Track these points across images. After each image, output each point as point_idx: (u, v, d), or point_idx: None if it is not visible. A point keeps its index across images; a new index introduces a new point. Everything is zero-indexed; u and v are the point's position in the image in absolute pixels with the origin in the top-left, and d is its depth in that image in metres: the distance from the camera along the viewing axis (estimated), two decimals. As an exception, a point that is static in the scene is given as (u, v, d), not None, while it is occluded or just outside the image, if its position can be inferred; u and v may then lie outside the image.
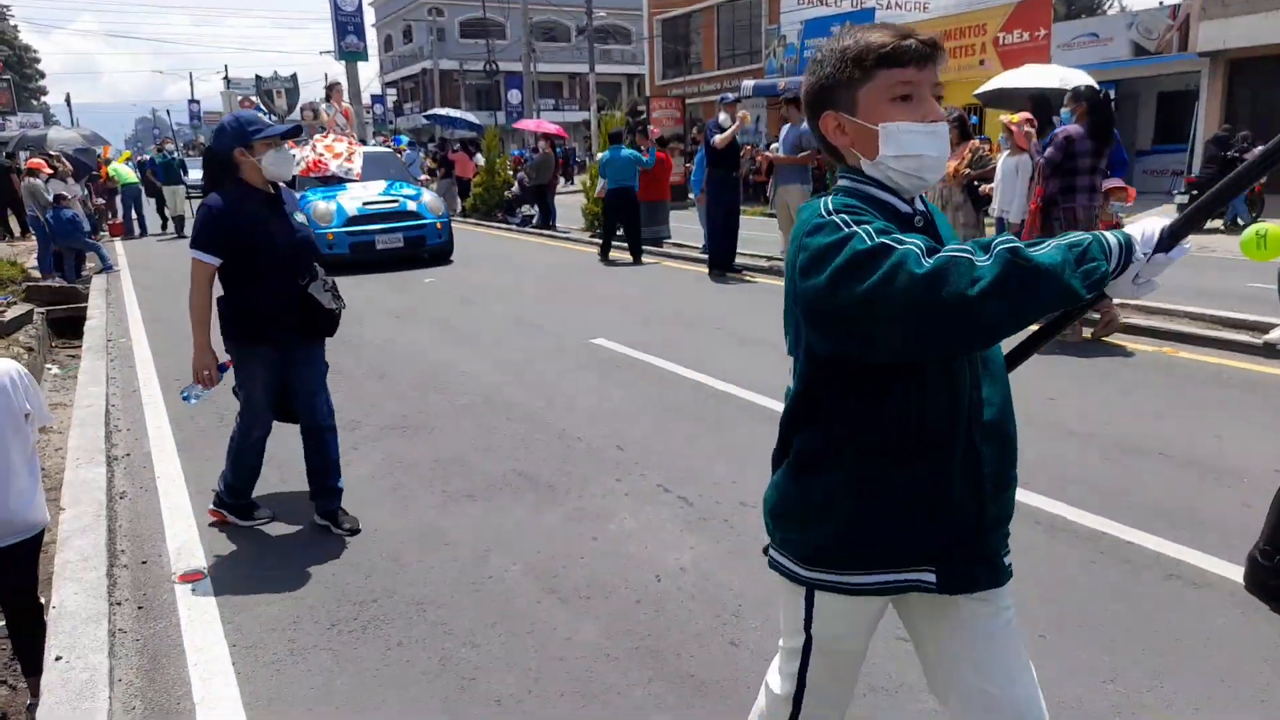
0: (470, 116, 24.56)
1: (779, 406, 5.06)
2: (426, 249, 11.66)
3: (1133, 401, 5.12)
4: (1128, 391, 5.33)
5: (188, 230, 15.70)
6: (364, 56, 24.82)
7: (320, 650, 2.80)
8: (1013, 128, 7.33)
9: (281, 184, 3.54)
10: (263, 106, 50.80)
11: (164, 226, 17.15)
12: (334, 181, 11.59)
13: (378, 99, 45.67)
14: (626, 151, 11.74)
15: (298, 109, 24.35)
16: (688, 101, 30.87)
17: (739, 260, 10.33)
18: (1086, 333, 6.54)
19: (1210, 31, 16.77)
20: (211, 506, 3.74)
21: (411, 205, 11.69)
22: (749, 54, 29.57)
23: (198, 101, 63.23)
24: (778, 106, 26.06)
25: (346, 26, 23.26)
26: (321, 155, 11.48)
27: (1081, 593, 2.99)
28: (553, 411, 5.18)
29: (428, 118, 26.56)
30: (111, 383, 6.03)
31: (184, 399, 3.60)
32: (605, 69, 44.18)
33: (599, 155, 12.58)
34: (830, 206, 1.35)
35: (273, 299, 3.39)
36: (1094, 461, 4.17)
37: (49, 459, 4.80)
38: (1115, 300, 6.56)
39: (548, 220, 16.06)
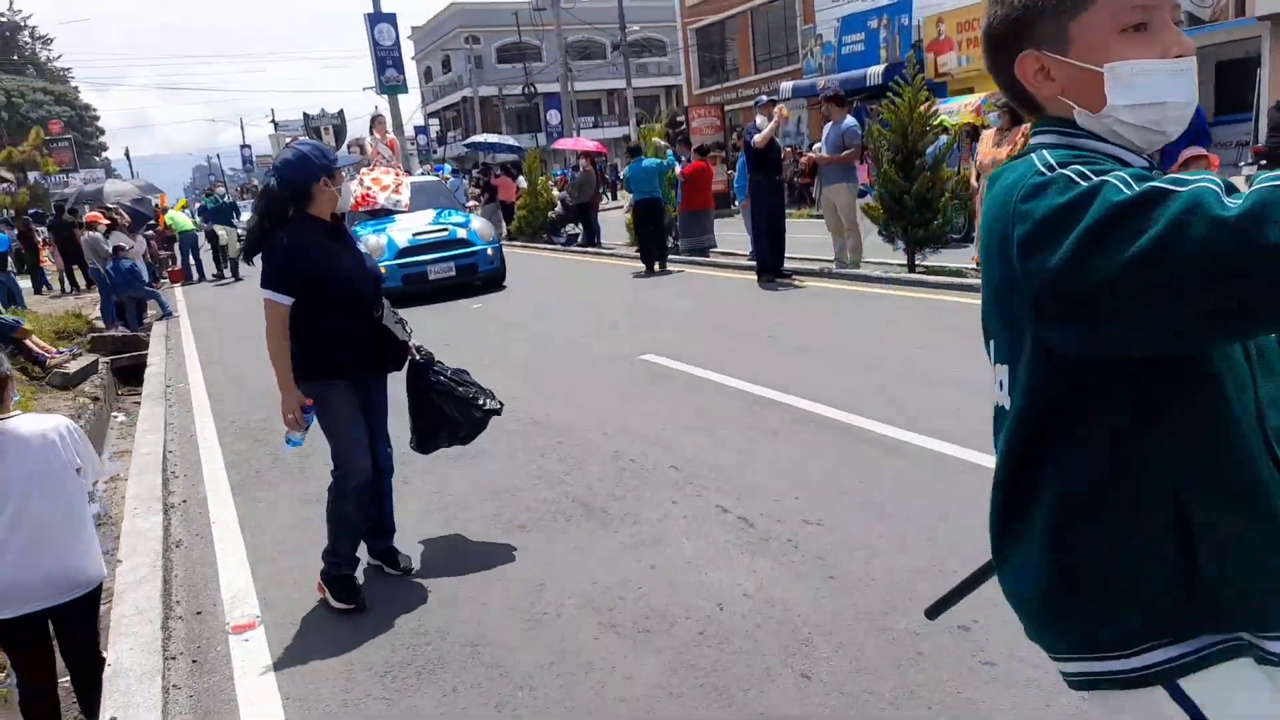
0: (510, 140, 24.83)
1: (836, 414, 4.86)
2: (479, 276, 11.46)
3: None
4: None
5: (243, 271, 15.98)
6: (404, 89, 25.24)
7: (374, 700, 2.71)
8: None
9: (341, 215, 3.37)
10: (311, 146, 52.27)
11: (220, 271, 17.26)
12: (383, 214, 11.50)
13: (421, 130, 46.51)
14: (648, 161, 12.08)
15: (345, 145, 24.86)
16: (727, 109, 30.72)
17: (788, 265, 10.11)
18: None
19: (1269, -7, 16.02)
20: (319, 580, 3.37)
21: (461, 233, 11.53)
22: (786, 56, 29.31)
23: (249, 147, 65.25)
24: (818, 106, 25.77)
25: (386, 61, 23.67)
26: (369, 189, 11.42)
27: None
28: (605, 433, 5.05)
29: (468, 145, 26.90)
30: (170, 429, 6.10)
31: (287, 444, 3.38)
32: (642, 83, 44.32)
33: (623, 171, 12.91)
34: (1051, 160, 1.00)
35: (347, 333, 3.23)
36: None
37: (115, 506, 4.85)
38: None
39: (592, 238, 16.03)
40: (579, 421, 5.32)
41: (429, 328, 8.97)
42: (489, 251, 11.53)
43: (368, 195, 11.26)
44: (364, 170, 11.83)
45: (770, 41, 30.48)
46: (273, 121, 55.39)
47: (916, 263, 9.24)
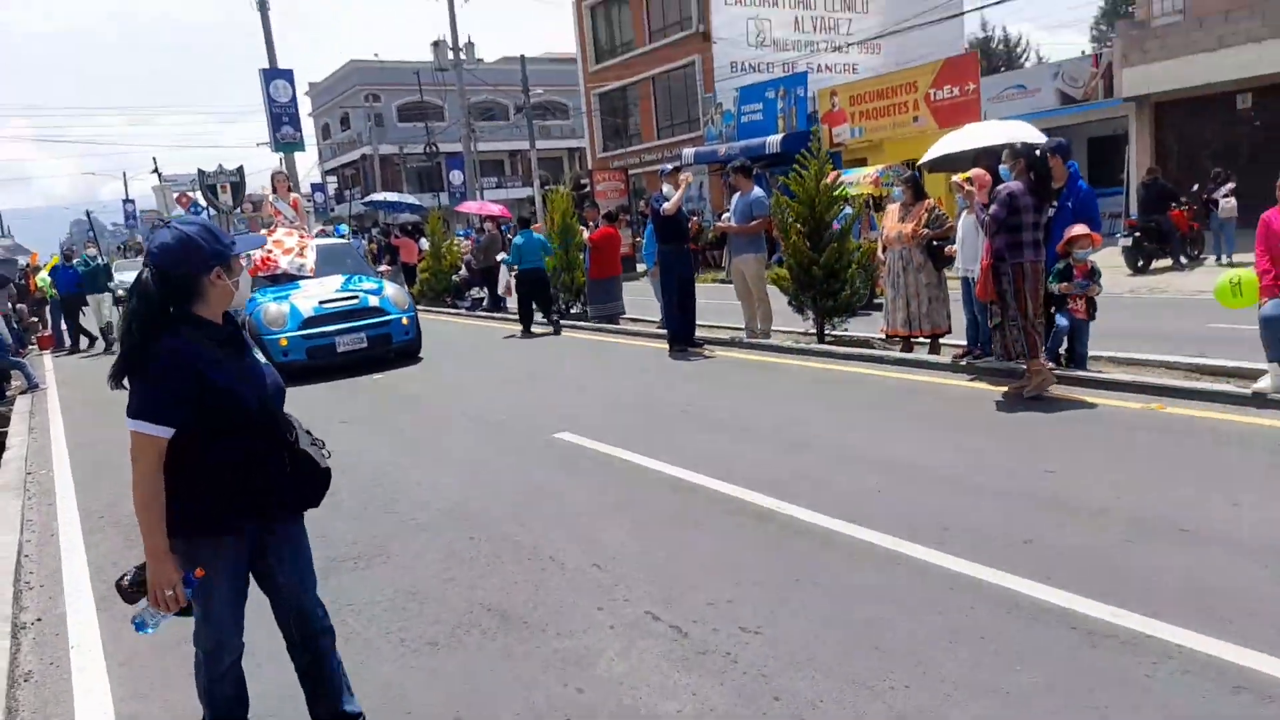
0: (412, 199, 24.35)
1: (761, 499, 4.68)
2: (393, 348, 10.56)
3: (1134, 469, 4.86)
4: (1129, 458, 5.07)
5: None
6: (300, 147, 24.57)
7: None
8: (966, 186, 7.21)
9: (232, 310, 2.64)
10: (201, 203, 50.03)
11: (90, 341, 15.70)
12: (284, 279, 10.64)
13: (318, 187, 45.45)
14: (536, 236, 13.17)
15: (241, 204, 23.61)
16: (630, 172, 31.21)
17: (699, 334, 10.07)
18: (1002, 386, 6.33)
19: (1133, 77, 17.35)
20: None
21: (374, 300, 10.61)
22: (687, 123, 30.03)
23: (133, 201, 62.43)
24: (719, 172, 26.44)
25: (281, 118, 23.02)
26: (270, 251, 10.65)
27: None
28: (520, 525, 4.74)
29: (367, 204, 26.27)
30: (28, 526, 5.45)
31: (137, 628, 2.46)
32: (546, 144, 44.62)
33: (513, 239, 13.60)
34: None
35: (248, 469, 2.44)
36: (1113, 543, 3.86)
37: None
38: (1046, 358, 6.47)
39: (497, 304, 15.73)
40: (491, 511, 4.99)
41: (321, 406, 8.46)
42: (404, 321, 10.71)
43: (269, 259, 10.51)
44: (264, 231, 11.16)
45: (672, 108, 31.22)
46: (157, 172, 52.86)
47: (826, 332, 9.32)
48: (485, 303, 16.36)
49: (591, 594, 3.82)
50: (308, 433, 2.66)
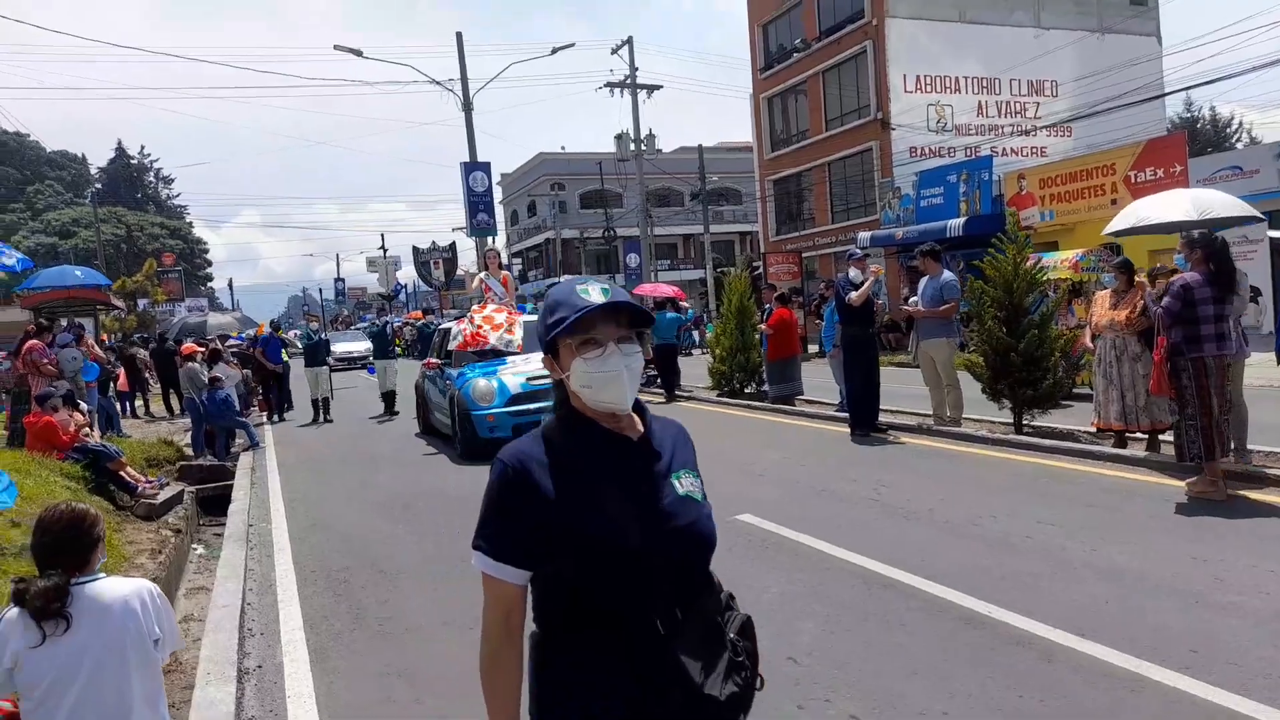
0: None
1: (968, 600, 4.34)
2: None
3: None
4: None
5: (337, 412, 14.91)
6: (493, 232, 26.30)
7: None
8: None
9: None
10: (420, 280, 53.74)
11: (315, 416, 14.92)
12: (491, 356, 10.77)
13: (504, 268, 48.26)
14: (670, 315, 15.75)
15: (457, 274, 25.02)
16: (804, 255, 31.16)
17: (882, 419, 9.71)
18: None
19: (1376, 154, 15.60)
20: None
21: None
22: (862, 206, 29.75)
23: (343, 279, 68.58)
24: (895, 256, 25.88)
25: (478, 206, 24.78)
26: (480, 327, 10.89)
27: None
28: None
29: (550, 285, 27.59)
30: (250, 575, 5.88)
31: None
32: (718, 228, 45.53)
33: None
34: None
35: (607, 667, 1.54)
36: None
37: (189, 650, 4.56)
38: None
39: (663, 384, 15.90)
40: (678, 593, 4.91)
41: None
42: None
43: (479, 334, 10.82)
44: (475, 308, 11.59)
45: (847, 193, 31.07)
46: (382, 249, 57.92)
47: (1024, 423, 8.74)
48: (659, 380, 16.56)
49: (788, 689, 3.64)
50: (737, 612, 1.73)
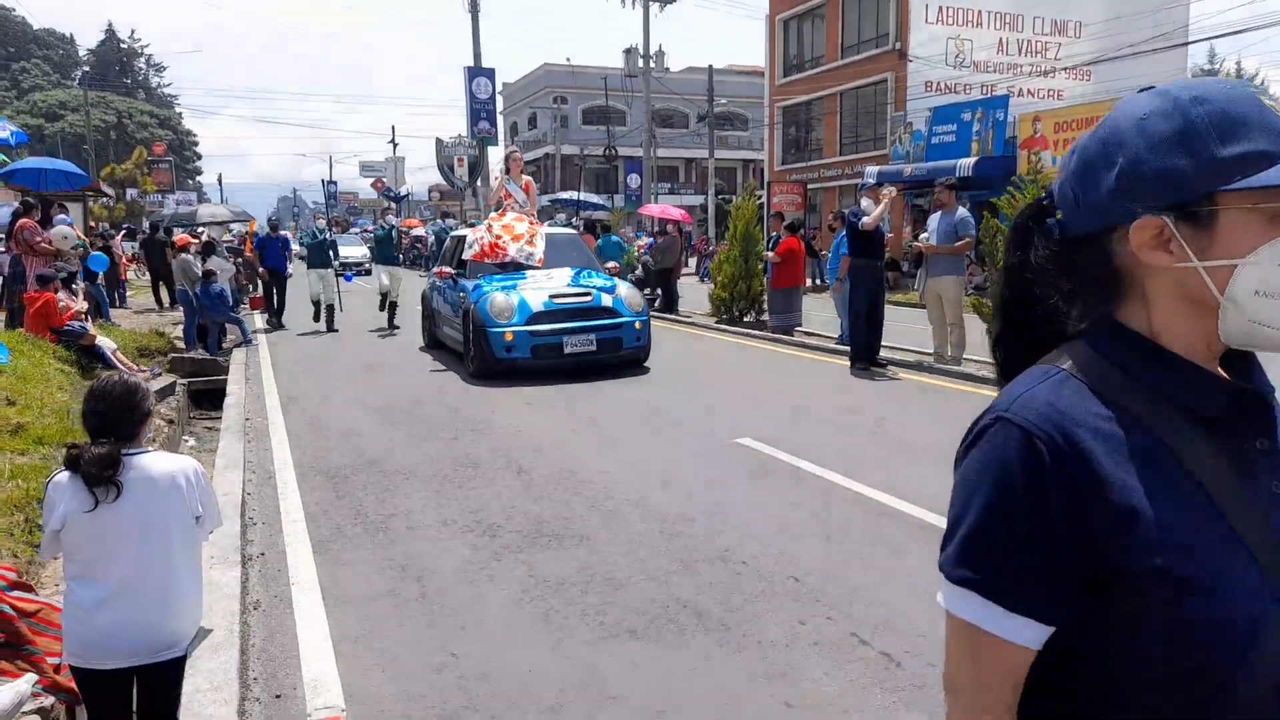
0: (597, 199, 25.01)
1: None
2: (622, 353, 9.38)
3: None
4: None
5: (339, 322, 13.61)
6: (494, 141, 25.77)
7: (478, 843, 2.31)
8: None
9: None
10: (394, 187, 52.61)
11: (316, 319, 13.99)
12: (511, 268, 9.89)
13: (526, 173, 47.42)
14: (614, 238, 16.44)
15: (490, 178, 22.98)
16: (809, 186, 30.72)
17: (883, 354, 9.69)
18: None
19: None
20: None
21: (607, 299, 9.44)
22: (873, 140, 29.22)
23: (335, 182, 67.37)
24: (902, 194, 25.53)
25: (480, 113, 24.21)
26: (499, 237, 9.93)
27: None
28: (709, 525, 4.65)
29: (554, 201, 27.17)
30: (248, 467, 5.87)
31: None
32: (723, 154, 44.77)
33: (597, 242, 15.27)
34: None
35: None
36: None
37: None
38: None
39: (671, 305, 15.81)
40: (678, 509, 4.93)
41: (504, 384, 8.64)
42: (636, 325, 9.50)
43: (497, 245, 9.94)
44: (493, 215, 10.56)
45: (858, 125, 30.48)
46: (392, 142, 56.30)
47: (1025, 366, 8.73)
48: (659, 303, 16.48)
49: (790, 606, 3.67)
50: None
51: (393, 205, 23.61)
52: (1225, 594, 0.80)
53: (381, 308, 14.26)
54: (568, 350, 9.07)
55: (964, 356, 9.34)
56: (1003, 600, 0.84)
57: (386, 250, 14.97)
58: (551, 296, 9.22)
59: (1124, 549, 0.82)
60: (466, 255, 10.28)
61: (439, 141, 26.23)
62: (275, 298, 15.11)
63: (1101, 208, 0.88)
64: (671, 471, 5.71)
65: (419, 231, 34.39)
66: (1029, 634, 0.85)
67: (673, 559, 4.20)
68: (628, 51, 33.02)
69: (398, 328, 13.88)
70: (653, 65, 31.71)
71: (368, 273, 23.83)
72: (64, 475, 2.50)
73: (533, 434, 6.75)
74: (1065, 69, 27.75)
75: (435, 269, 11.57)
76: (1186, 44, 26.75)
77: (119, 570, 2.48)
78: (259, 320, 15.25)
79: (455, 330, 10.05)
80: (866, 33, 29.53)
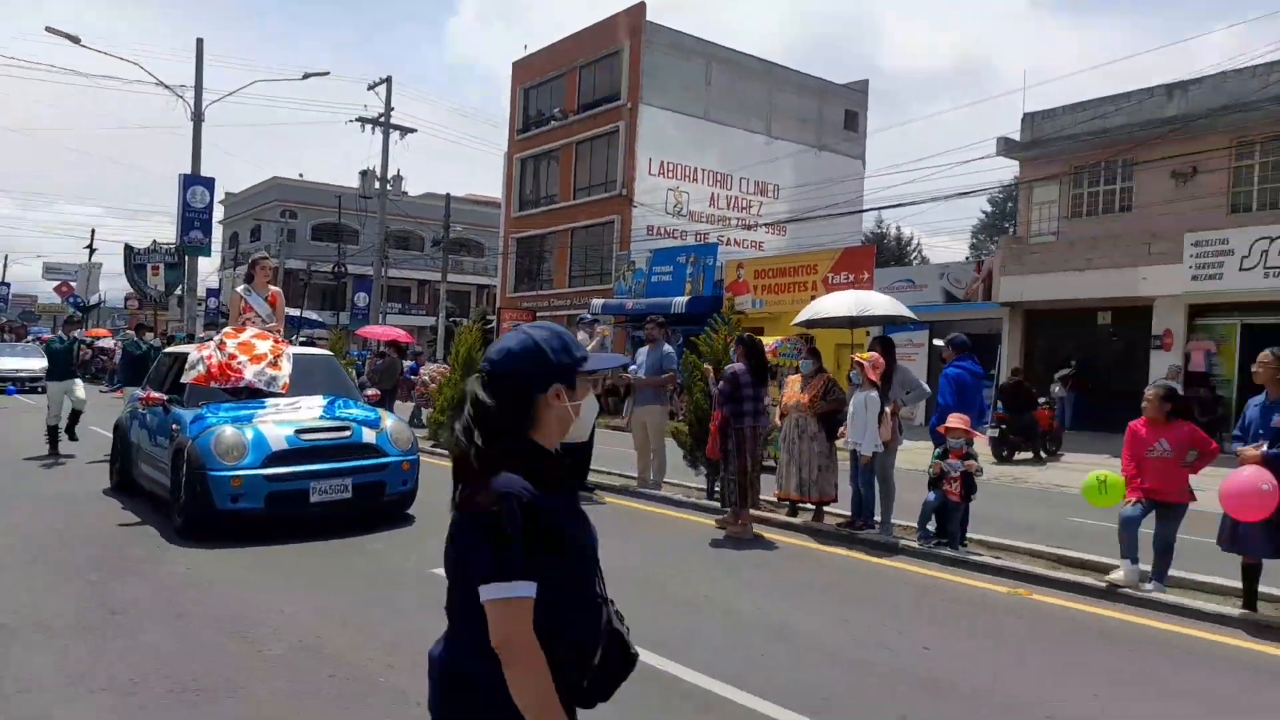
0: (315, 315, 23.98)
1: (646, 655, 4.57)
2: (384, 499, 7.78)
3: (1008, 655, 4.98)
4: (1000, 641, 5.20)
5: None
6: (206, 252, 24.00)
7: None
8: (863, 364, 7.63)
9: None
10: (80, 294, 47.06)
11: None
12: (245, 395, 7.91)
13: (213, 292, 44.13)
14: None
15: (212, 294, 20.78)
16: (538, 314, 31.72)
17: (590, 478, 10.02)
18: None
19: (1009, 285, 19.01)
20: None
21: (369, 434, 7.73)
22: (599, 275, 31.03)
23: (8, 284, 59.37)
24: (623, 325, 27.17)
25: (194, 222, 22.59)
26: (234, 357, 7.93)
27: None
28: (388, 667, 4.44)
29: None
30: None
31: None
32: (456, 278, 45.13)
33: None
34: None
35: (584, 642, 1.85)
36: (985, 727, 3.89)
37: None
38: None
39: (390, 428, 15.35)
40: (355, 650, 4.68)
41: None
42: (404, 465, 7.87)
43: (229, 366, 7.87)
44: (227, 330, 8.48)
45: (586, 260, 32.29)
46: (89, 247, 50.05)
47: (715, 489, 9.42)
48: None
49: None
50: (611, 602, 1.98)
51: (78, 314, 20.53)
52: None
53: (50, 440, 11.90)
54: (314, 499, 7.28)
55: (664, 481, 9.90)
56: (522, 573, 1.67)
57: (65, 365, 12.40)
58: (298, 432, 7.44)
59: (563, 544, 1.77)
60: (186, 378, 8.04)
61: (128, 248, 23.69)
62: None
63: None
64: (354, 609, 5.42)
65: (106, 343, 30.96)
66: (531, 593, 1.67)
67: (341, 704, 3.95)
68: (364, 173, 32.87)
69: (76, 439, 12.26)
70: (390, 188, 31.74)
71: (41, 390, 20.71)
72: None
73: (192, 566, 6.13)
74: (765, 224, 31.47)
75: (141, 393, 9.01)
76: (861, 211, 31.39)
77: None
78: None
79: (160, 472, 7.99)
80: (597, 177, 31.81)
